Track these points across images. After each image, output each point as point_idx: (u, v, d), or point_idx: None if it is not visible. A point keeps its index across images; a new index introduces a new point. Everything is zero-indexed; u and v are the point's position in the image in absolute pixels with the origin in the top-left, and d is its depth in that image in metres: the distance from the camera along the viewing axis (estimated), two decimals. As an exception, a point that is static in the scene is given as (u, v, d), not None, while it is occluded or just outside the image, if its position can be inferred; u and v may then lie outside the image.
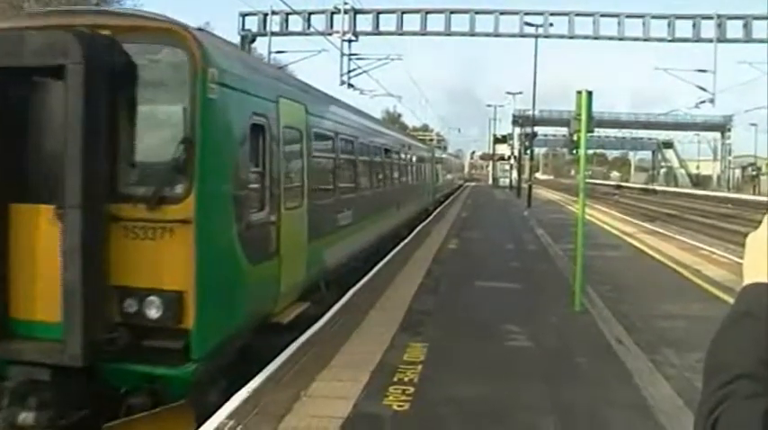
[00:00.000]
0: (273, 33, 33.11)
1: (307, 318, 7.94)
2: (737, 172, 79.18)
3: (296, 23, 33.15)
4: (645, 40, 33.31)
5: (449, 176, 45.58)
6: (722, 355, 0.98)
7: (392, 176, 16.39)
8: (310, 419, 5.20)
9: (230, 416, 5.16)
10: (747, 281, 1.05)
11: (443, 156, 44.19)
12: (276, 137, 6.97)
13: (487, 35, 34.41)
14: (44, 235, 5.28)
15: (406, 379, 6.18)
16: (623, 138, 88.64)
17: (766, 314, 0.97)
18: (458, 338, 7.82)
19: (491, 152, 76.15)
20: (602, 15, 33.17)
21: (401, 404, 5.55)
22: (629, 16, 33.15)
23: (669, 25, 32.84)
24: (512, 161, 61.50)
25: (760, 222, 1.11)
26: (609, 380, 6.41)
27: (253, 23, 33.55)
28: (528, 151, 46.03)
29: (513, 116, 68.58)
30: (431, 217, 25.14)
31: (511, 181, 58.53)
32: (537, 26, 33.13)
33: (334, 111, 10.49)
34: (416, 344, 7.33)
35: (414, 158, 21.68)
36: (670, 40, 32.92)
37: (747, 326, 0.98)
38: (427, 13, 33.43)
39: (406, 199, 18.83)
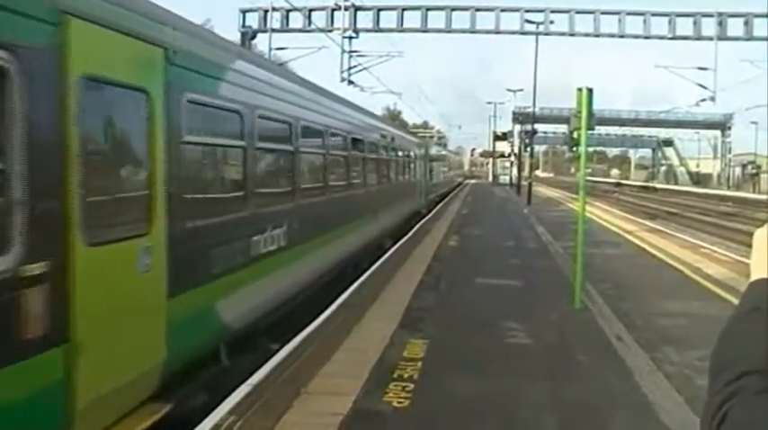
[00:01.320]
0: (274, 30, 32.98)
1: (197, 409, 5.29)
2: (737, 170, 79.14)
3: (296, 20, 33.06)
4: (645, 37, 33.25)
5: (448, 174, 45.39)
6: (729, 352, 0.96)
7: (365, 175, 13.45)
8: (310, 416, 5.21)
9: (231, 412, 5.15)
10: (754, 277, 1.04)
11: (442, 152, 43.95)
12: (54, 98, 3.68)
13: (488, 32, 34.31)
14: None
15: (405, 375, 6.18)
16: (623, 135, 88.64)
17: None
18: (458, 335, 7.83)
19: (491, 149, 76.21)
20: (603, 13, 33.08)
21: (401, 401, 5.55)
22: (629, 14, 33.07)
23: (670, 23, 32.78)
24: (512, 158, 61.62)
25: (761, 220, 1.10)
26: (609, 377, 6.42)
27: (253, 20, 33.43)
28: (528, 148, 46.07)
29: (514, 113, 68.59)
30: (424, 220, 23.47)
31: (511, 178, 58.68)
32: (538, 23, 33.09)
33: (249, 72, 6.80)
34: (416, 341, 7.34)
35: (400, 153, 19.12)
36: (671, 38, 32.86)
37: (754, 322, 0.95)
38: (428, 9, 33.31)
39: (387, 203, 16.05)
